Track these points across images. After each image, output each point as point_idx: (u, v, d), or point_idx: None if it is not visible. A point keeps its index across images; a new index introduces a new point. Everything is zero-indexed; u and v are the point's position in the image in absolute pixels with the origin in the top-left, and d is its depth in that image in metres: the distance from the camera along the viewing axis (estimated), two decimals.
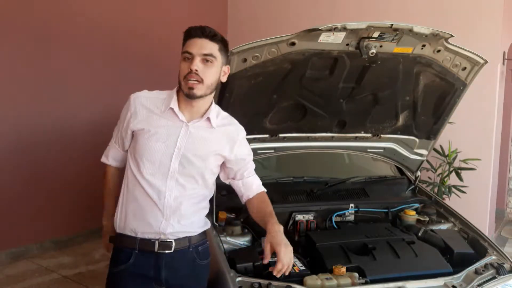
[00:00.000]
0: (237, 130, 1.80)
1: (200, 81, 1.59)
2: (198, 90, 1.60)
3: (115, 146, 1.80)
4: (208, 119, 1.70)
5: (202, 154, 1.69)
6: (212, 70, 1.62)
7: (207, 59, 1.59)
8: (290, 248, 1.64)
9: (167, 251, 1.68)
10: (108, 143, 1.85)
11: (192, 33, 1.61)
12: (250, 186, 1.83)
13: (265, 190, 1.87)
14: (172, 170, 1.65)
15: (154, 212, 1.66)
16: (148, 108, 1.68)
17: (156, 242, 1.67)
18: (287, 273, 1.63)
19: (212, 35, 1.61)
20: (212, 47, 1.60)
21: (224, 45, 1.66)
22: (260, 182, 1.88)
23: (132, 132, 1.71)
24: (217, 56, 1.62)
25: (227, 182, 1.86)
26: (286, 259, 1.60)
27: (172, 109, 1.65)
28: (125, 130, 1.72)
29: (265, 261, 1.64)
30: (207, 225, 1.82)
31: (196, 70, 1.57)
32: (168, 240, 1.68)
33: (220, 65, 1.65)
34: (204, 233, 1.80)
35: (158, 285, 1.70)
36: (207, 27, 1.62)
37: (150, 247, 1.66)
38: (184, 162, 1.66)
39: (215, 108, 1.75)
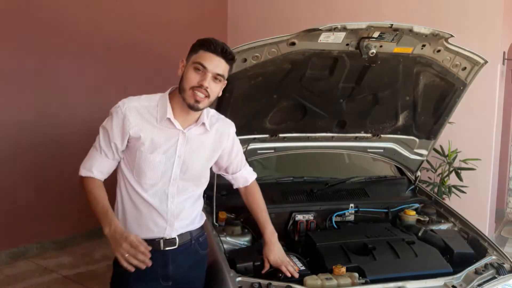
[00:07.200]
0: (227, 125, 1.85)
1: (207, 96, 1.62)
2: (203, 104, 1.63)
3: (102, 157, 1.69)
4: (203, 123, 1.72)
5: (201, 158, 1.75)
6: (218, 88, 1.66)
7: (218, 78, 1.62)
8: (283, 253, 1.92)
9: (172, 248, 1.72)
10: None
11: (212, 47, 1.59)
12: (239, 180, 2.00)
13: (255, 176, 2.03)
14: (173, 177, 1.69)
15: (157, 219, 1.69)
16: (142, 116, 1.64)
17: (161, 240, 1.71)
18: (296, 275, 1.83)
19: (231, 58, 1.64)
20: (225, 68, 1.63)
21: (232, 65, 1.70)
22: (249, 174, 2.02)
23: (127, 140, 1.65)
24: (225, 76, 1.66)
25: (218, 173, 1.98)
26: (290, 268, 1.85)
27: (168, 118, 1.65)
28: (120, 138, 1.65)
29: (263, 272, 1.88)
30: (204, 217, 1.89)
31: (207, 87, 1.60)
32: (172, 237, 1.72)
33: (224, 82, 1.68)
34: (202, 226, 1.87)
35: (165, 280, 1.73)
36: (227, 47, 1.62)
37: (156, 246, 1.69)
38: (185, 169, 1.70)
39: (205, 110, 1.76)
